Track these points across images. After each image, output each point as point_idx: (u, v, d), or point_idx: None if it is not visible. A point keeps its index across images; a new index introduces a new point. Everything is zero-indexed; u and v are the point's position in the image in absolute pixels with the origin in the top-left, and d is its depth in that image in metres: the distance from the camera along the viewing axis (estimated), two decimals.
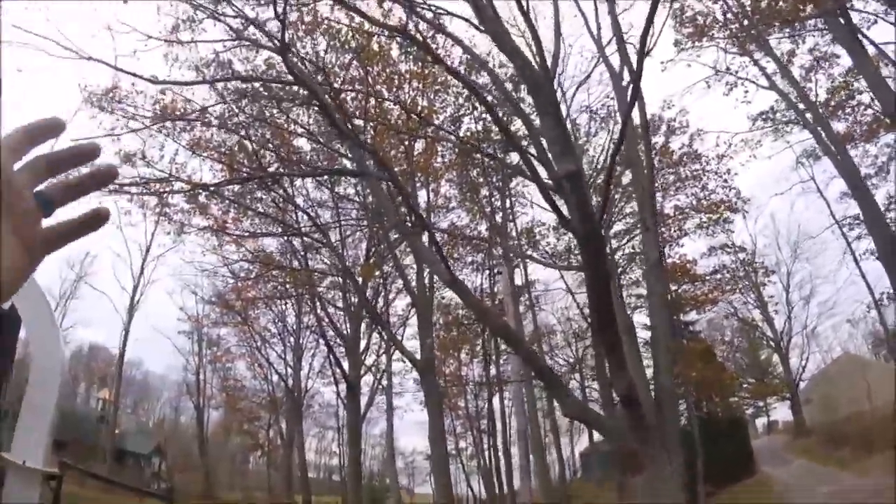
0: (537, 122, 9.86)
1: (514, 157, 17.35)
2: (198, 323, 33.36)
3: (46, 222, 0.52)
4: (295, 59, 12.21)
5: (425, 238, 11.24)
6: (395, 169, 17.95)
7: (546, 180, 8.60)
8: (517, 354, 10.59)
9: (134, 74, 10.25)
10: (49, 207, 0.51)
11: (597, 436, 36.81)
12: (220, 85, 15.77)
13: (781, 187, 22.80)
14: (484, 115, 19.66)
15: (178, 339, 33.92)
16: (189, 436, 44.18)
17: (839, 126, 19.66)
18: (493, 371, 27.99)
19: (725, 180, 19.85)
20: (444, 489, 18.43)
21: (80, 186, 0.53)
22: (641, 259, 22.89)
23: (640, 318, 21.78)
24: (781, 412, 43.31)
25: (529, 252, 20.80)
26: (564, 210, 7.97)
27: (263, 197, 20.24)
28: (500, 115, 8.93)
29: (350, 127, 8.53)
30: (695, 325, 27.24)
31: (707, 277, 24.01)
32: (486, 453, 37.80)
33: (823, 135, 19.09)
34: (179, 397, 47.22)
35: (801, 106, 19.49)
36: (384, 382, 25.73)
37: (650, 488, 7.56)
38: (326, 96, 9.67)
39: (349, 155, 15.33)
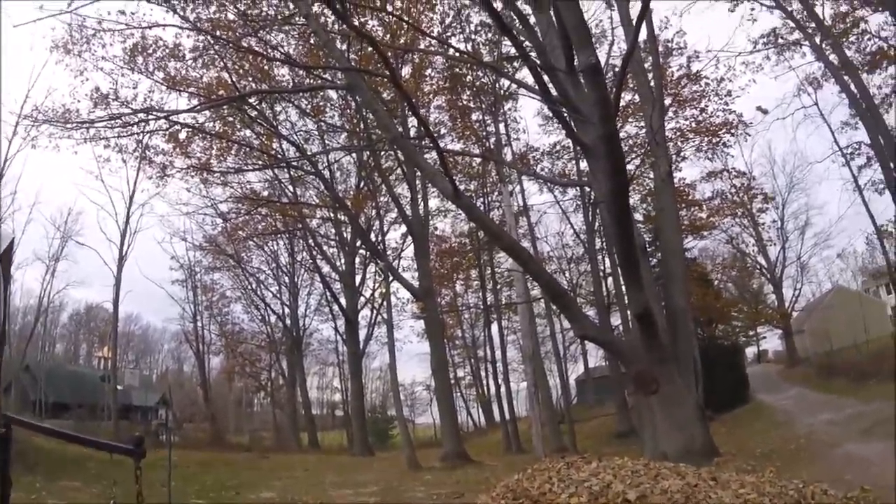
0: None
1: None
2: (190, 270, 33.01)
3: None
4: None
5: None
6: (383, 95, 17.28)
7: (552, 94, 8.12)
8: (527, 272, 10.33)
9: None
10: None
11: (592, 362, 37.72)
12: (192, 15, 14.81)
13: (783, 114, 21.98)
14: (474, 36, 18.79)
15: (173, 289, 33.51)
16: (193, 384, 44.53)
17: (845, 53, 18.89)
18: (490, 299, 28.04)
19: (726, 103, 19.05)
20: (449, 417, 18.58)
21: None
22: (640, 184, 22.61)
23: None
24: (771, 342, 44.23)
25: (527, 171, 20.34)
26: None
27: (247, 134, 19.48)
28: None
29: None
30: (689, 251, 27.32)
31: (704, 202, 23.74)
32: (484, 382, 38.85)
33: (831, 56, 18.41)
34: (180, 347, 47.21)
35: (806, 29, 18.72)
36: (383, 315, 25.90)
37: (666, 408, 7.42)
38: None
39: (334, 79, 14.61)
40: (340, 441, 32.11)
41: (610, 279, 23.80)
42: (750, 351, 45.68)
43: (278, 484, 13.25)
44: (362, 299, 28.65)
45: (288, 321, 33.20)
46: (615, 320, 23.56)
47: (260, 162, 19.83)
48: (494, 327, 29.02)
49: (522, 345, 15.45)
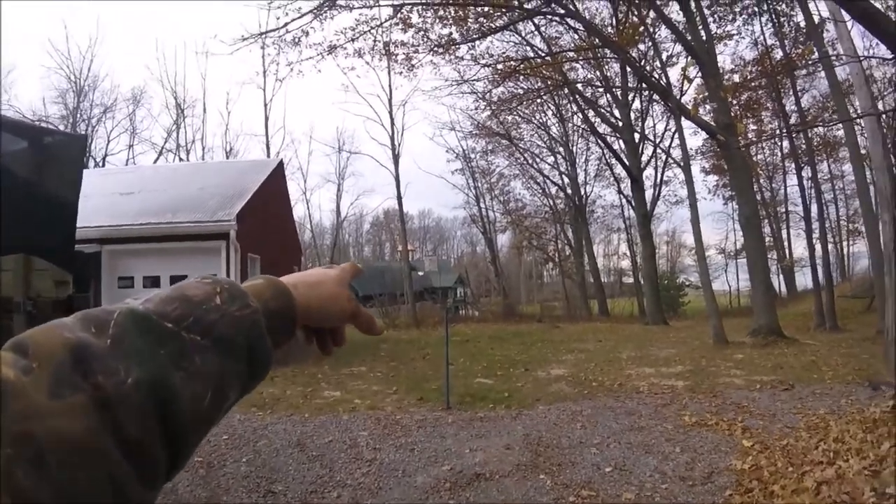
0: None
1: None
2: (465, 157, 34.31)
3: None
4: None
5: None
6: None
7: None
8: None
9: None
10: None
11: None
12: None
13: None
14: None
15: (454, 179, 36.26)
16: (486, 262, 48.00)
17: None
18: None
19: None
20: (763, 283, 14.95)
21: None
22: None
23: None
24: None
25: None
26: None
27: None
28: None
29: None
30: None
31: None
32: (785, 244, 32.83)
33: None
34: (470, 230, 51.39)
35: None
36: (675, 160, 23.01)
37: None
38: None
39: None
40: (630, 309, 30.68)
41: None
42: None
43: (570, 358, 12.38)
44: (644, 158, 25.99)
45: (569, 190, 32.49)
46: None
47: (500, 22, 18.01)
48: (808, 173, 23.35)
49: (876, 181, 10.94)
